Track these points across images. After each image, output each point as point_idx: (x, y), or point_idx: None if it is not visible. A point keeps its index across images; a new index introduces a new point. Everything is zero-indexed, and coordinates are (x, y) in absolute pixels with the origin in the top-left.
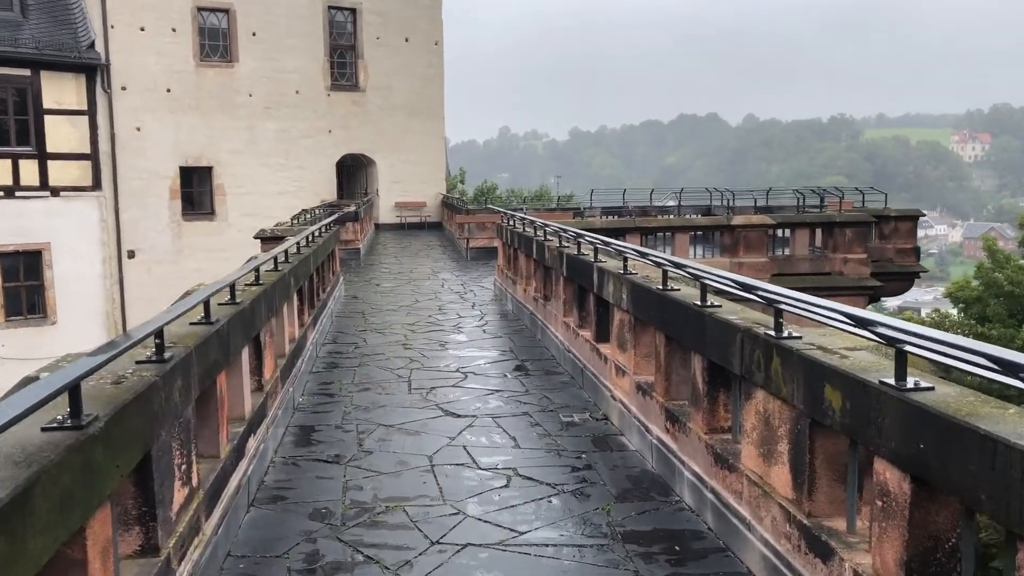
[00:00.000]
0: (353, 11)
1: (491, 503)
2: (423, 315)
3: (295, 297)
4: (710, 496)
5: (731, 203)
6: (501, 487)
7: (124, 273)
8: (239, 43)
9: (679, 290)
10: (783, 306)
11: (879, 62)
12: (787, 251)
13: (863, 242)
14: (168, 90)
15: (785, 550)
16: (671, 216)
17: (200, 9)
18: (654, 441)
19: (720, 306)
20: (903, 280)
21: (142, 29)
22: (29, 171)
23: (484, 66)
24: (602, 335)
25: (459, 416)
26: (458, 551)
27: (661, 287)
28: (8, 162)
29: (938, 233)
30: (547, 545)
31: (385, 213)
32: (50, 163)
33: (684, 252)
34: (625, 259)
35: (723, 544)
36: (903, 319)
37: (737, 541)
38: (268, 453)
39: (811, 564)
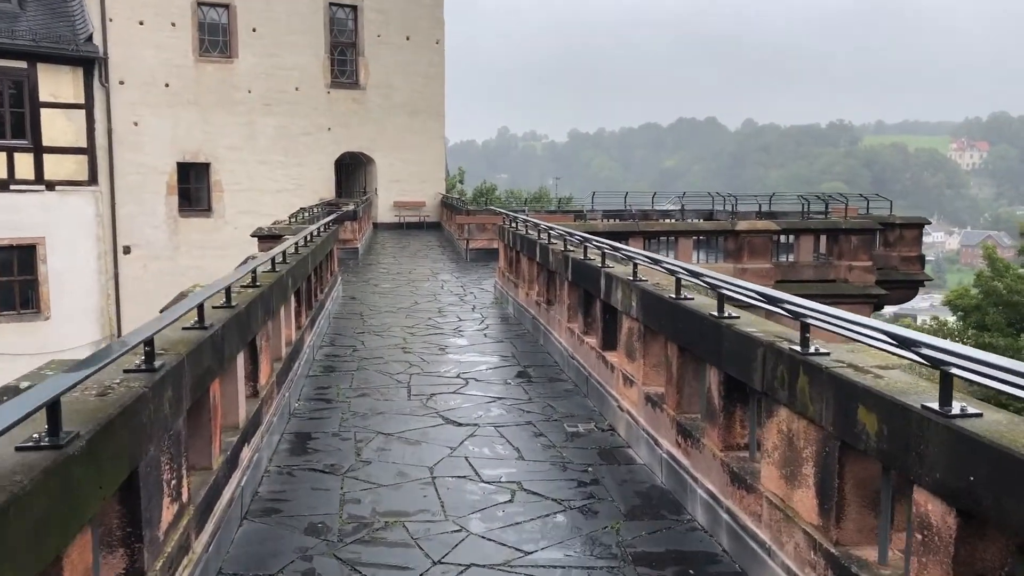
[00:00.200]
0: (354, 8)
1: (495, 519)
2: (422, 317)
3: (292, 299)
4: (725, 517)
5: (734, 208)
6: (505, 502)
7: (119, 269)
8: (239, 38)
9: (693, 299)
10: (811, 320)
11: (878, 69)
12: (791, 257)
13: (868, 249)
14: (167, 85)
15: None
16: (673, 220)
17: (200, 4)
18: (664, 455)
19: (738, 317)
20: (908, 288)
21: (141, 23)
22: (24, 164)
23: (483, 66)
24: (609, 343)
25: (460, 425)
26: (461, 572)
27: (674, 295)
28: (3, 155)
29: (935, 240)
30: (555, 567)
31: (384, 212)
32: (46, 157)
33: (687, 257)
34: (635, 265)
35: (740, 568)
36: (903, 326)
37: (755, 566)
38: (263, 462)
39: None
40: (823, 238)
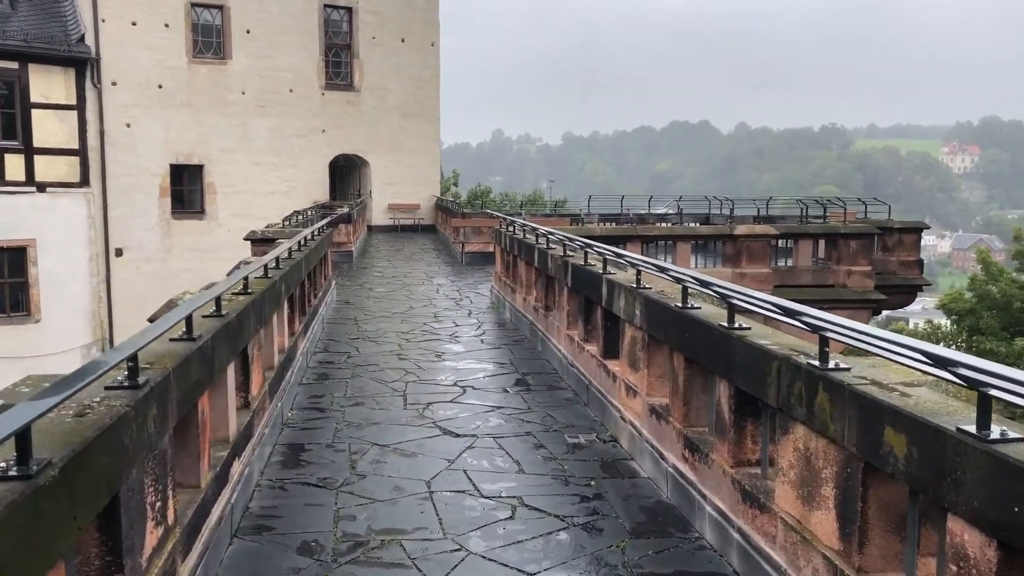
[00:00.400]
0: (349, 10)
1: (495, 538)
2: (418, 323)
3: (285, 305)
4: (736, 536)
5: (731, 212)
6: (506, 519)
7: (111, 271)
8: (233, 40)
9: (700, 308)
10: (832, 335)
11: (870, 73)
12: (790, 262)
13: (867, 254)
14: (160, 86)
15: None
16: (671, 224)
17: (194, 5)
18: (670, 470)
19: (749, 328)
20: (906, 293)
21: (134, 24)
22: (15, 166)
23: (478, 68)
24: (610, 351)
25: (458, 435)
26: None
27: (681, 304)
28: None
29: (927, 244)
30: None
31: (378, 215)
32: (37, 158)
33: (685, 262)
34: (639, 272)
35: None
36: (894, 330)
37: None
38: (254, 476)
39: None
40: (822, 242)
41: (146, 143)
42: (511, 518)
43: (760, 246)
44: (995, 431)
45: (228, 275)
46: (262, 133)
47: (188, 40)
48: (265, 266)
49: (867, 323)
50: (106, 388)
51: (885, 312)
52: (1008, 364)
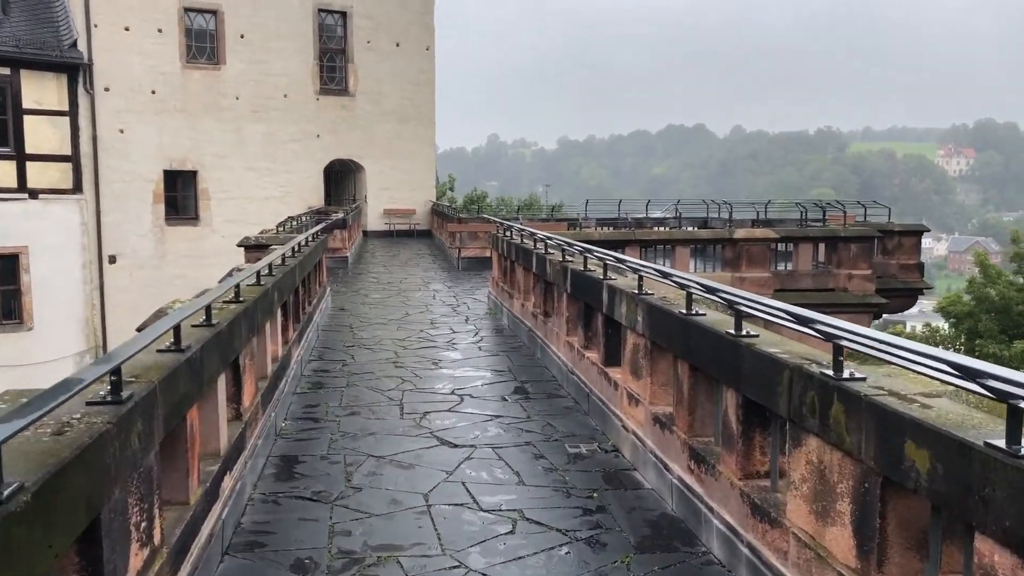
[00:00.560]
0: (343, 14)
1: (496, 553)
2: (414, 329)
3: (279, 313)
4: (746, 551)
5: (730, 216)
6: (506, 533)
7: (105, 278)
8: (226, 45)
9: (705, 315)
10: (847, 343)
11: (865, 76)
12: (790, 266)
13: (868, 257)
14: (153, 92)
15: None
16: (669, 228)
17: (187, 10)
18: (675, 481)
19: (757, 336)
20: (907, 296)
21: (127, 29)
22: (7, 172)
23: (473, 73)
24: (612, 358)
25: (456, 446)
26: None
27: (685, 311)
28: None
29: (923, 246)
30: None
31: (373, 220)
32: (29, 164)
33: (685, 266)
34: (640, 278)
35: None
36: (894, 333)
37: None
38: (246, 490)
39: None
40: (822, 246)
41: (139, 149)
42: (511, 532)
43: (760, 250)
44: None
45: (220, 282)
46: (256, 138)
47: (181, 45)
48: (258, 273)
49: (868, 327)
50: (87, 403)
51: (884, 316)
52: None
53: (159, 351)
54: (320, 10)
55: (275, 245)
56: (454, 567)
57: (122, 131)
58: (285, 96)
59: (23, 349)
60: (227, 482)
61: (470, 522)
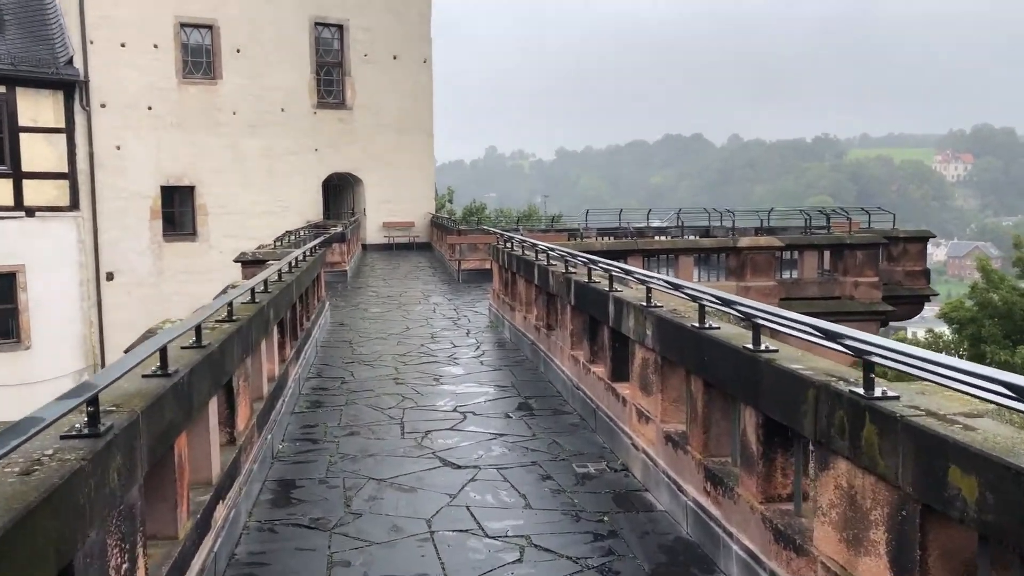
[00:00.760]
0: (340, 27)
1: None
2: (415, 344)
3: (275, 330)
4: None
5: (734, 224)
6: (514, 562)
7: (102, 296)
8: (223, 60)
9: (719, 328)
10: (878, 359)
11: (862, 83)
12: (795, 274)
13: (874, 265)
14: (149, 108)
15: None
16: (670, 237)
17: (183, 25)
18: (690, 503)
19: (777, 351)
20: (913, 304)
21: (123, 45)
22: (3, 191)
23: (470, 85)
24: (619, 373)
25: (459, 467)
26: None
27: (697, 324)
28: None
29: None
30: None
31: (373, 233)
32: (25, 182)
33: (688, 275)
34: (649, 289)
35: None
36: (896, 339)
37: None
38: (240, 518)
39: None
40: (827, 254)
41: (136, 165)
42: (519, 561)
43: (765, 258)
44: None
45: (215, 299)
46: (254, 153)
47: (178, 61)
48: (252, 290)
49: (875, 335)
50: (62, 437)
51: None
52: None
53: (144, 376)
54: (317, 23)
55: (272, 260)
56: None
57: (119, 147)
58: (282, 110)
59: (21, 368)
60: (220, 511)
61: (475, 550)
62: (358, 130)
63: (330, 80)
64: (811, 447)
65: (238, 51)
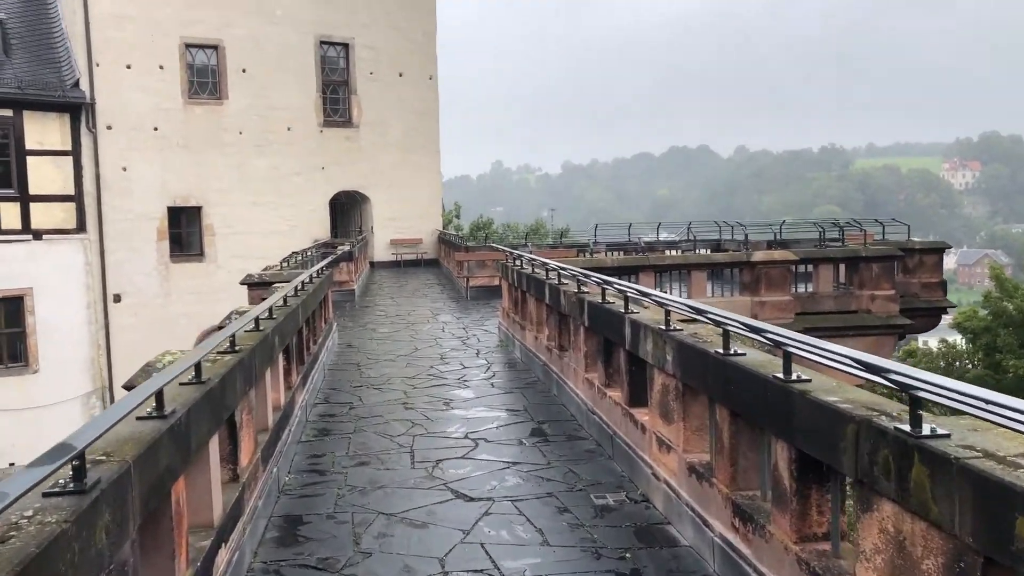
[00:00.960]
0: (346, 46)
1: None
2: (424, 366)
3: (280, 358)
4: None
5: (746, 238)
6: None
7: (110, 318)
8: (228, 80)
9: (745, 355)
10: (926, 394)
11: (867, 92)
12: (810, 288)
13: (891, 277)
14: (155, 129)
15: None
16: (681, 251)
17: (188, 46)
18: (716, 540)
19: (809, 380)
20: (931, 316)
21: (128, 67)
22: (10, 214)
23: (476, 100)
24: (637, 398)
25: (472, 499)
26: None
27: (722, 350)
28: None
29: None
30: None
31: (380, 251)
32: (32, 205)
33: (701, 290)
34: (668, 312)
35: None
36: (907, 351)
37: None
38: (245, 560)
39: None
40: (842, 267)
41: (143, 186)
42: None
43: (779, 272)
44: None
45: (212, 337)
46: (260, 172)
47: (183, 81)
48: (256, 319)
49: (893, 349)
50: (44, 495)
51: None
52: None
53: (139, 419)
54: (322, 42)
55: (278, 283)
56: None
57: (125, 169)
58: (289, 129)
59: (29, 392)
60: (222, 556)
61: None
62: (364, 148)
63: (336, 98)
64: (845, 481)
65: (244, 71)
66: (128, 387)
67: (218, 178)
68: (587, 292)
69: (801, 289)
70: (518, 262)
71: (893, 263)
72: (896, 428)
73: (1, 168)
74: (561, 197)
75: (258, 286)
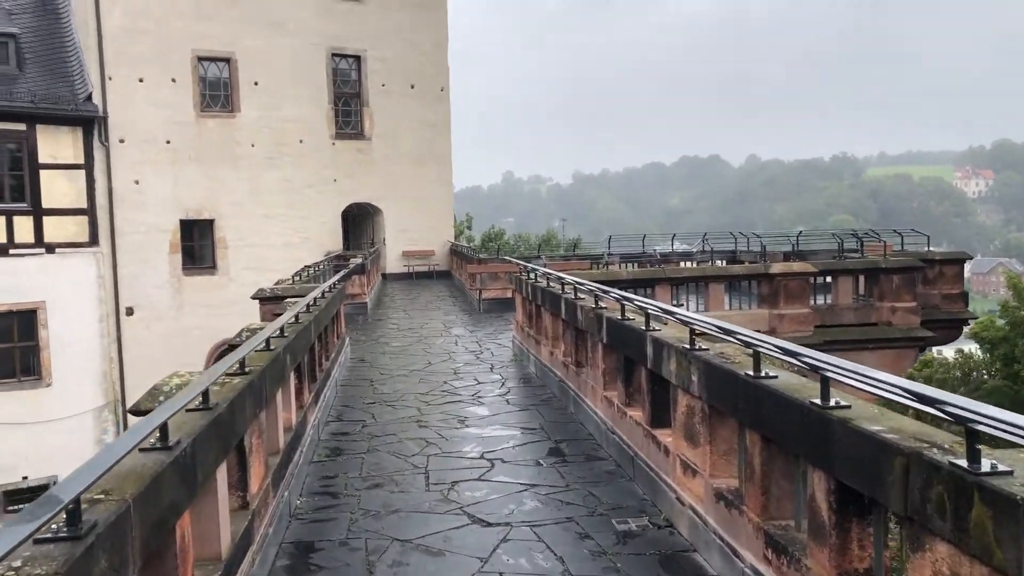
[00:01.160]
0: (357, 58)
1: None
2: (437, 381)
3: (291, 377)
4: None
5: (762, 249)
6: None
7: (122, 331)
8: (240, 92)
9: (776, 377)
10: (984, 427)
11: (878, 100)
12: (829, 300)
13: (911, 289)
14: (168, 142)
15: None
16: (696, 263)
17: (200, 59)
18: (747, 571)
19: (849, 407)
20: (952, 328)
21: (141, 80)
22: (24, 228)
23: (487, 111)
24: (659, 419)
25: (490, 524)
26: None
27: (752, 373)
28: (2, 219)
29: None
30: None
31: (392, 263)
32: (45, 219)
33: (719, 303)
34: (692, 331)
35: None
36: (923, 362)
37: None
38: None
39: None
40: (862, 278)
41: (155, 199)
42: None
43: (798, 284)
44: None
45: (232, 344)
46: (272, 185)
47: (196, 94)
48: (267, 340)
49: (913, 362)
50: (35, 542)
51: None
52: None
53: (142, 450)
54: (334, 55)
55: (291, 297)
56: None
57: (137, 182)
58: (301, 142)
59: (42, 405)
60: None
61: None
62: (376, 160)
63: (348, 111)
64: (887, 512)
65: (256, 84)
66: (135, 412)
67: (230, 191)
68: (605, 307)
69: (820, 301)
70: (532, 275)
71: (914, 275)
72: (951, 463)
73: (14, 182)
74: (572, 207)
75: (270, 300)
